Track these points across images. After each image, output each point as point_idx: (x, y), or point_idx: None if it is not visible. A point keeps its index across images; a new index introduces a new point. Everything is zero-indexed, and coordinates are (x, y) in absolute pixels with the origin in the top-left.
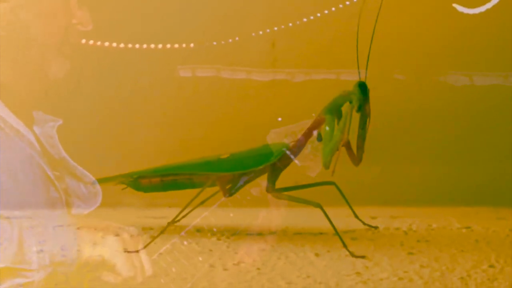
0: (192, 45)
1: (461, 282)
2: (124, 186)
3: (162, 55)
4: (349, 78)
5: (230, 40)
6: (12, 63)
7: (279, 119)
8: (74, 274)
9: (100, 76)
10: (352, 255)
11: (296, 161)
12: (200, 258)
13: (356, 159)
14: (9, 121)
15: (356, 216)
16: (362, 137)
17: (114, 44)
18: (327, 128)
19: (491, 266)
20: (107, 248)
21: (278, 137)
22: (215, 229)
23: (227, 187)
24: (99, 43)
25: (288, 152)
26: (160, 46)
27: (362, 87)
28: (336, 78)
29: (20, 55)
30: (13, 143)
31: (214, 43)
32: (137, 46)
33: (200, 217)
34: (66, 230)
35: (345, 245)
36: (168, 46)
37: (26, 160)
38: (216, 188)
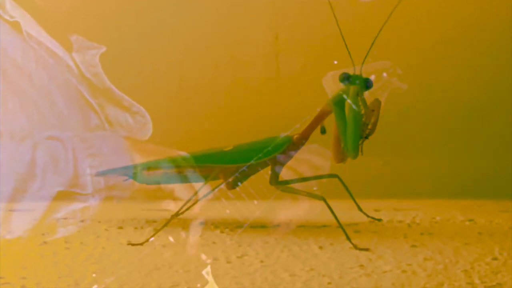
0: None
1: (464, 275)
2: (126, 178)
3: (164, 50)
4: None
5: None
6: None
7: (335, 62)
8: (78, 267)
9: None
10: (356, 247)
11: (299, 153)
12: (204, 251)
13: (339, 158)
14: (45, 42)
15: (360, 209)
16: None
17: None
18: (339, 120)
19: (495, 258)
20: (110, 241)
21: (334, 79)
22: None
23: (231, 179)
24: None
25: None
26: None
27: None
28: None
29: None
30: (50, 66)
31: None
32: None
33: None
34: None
35: (348, 238)
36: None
37: (64, 85)
38: (220, 181)
